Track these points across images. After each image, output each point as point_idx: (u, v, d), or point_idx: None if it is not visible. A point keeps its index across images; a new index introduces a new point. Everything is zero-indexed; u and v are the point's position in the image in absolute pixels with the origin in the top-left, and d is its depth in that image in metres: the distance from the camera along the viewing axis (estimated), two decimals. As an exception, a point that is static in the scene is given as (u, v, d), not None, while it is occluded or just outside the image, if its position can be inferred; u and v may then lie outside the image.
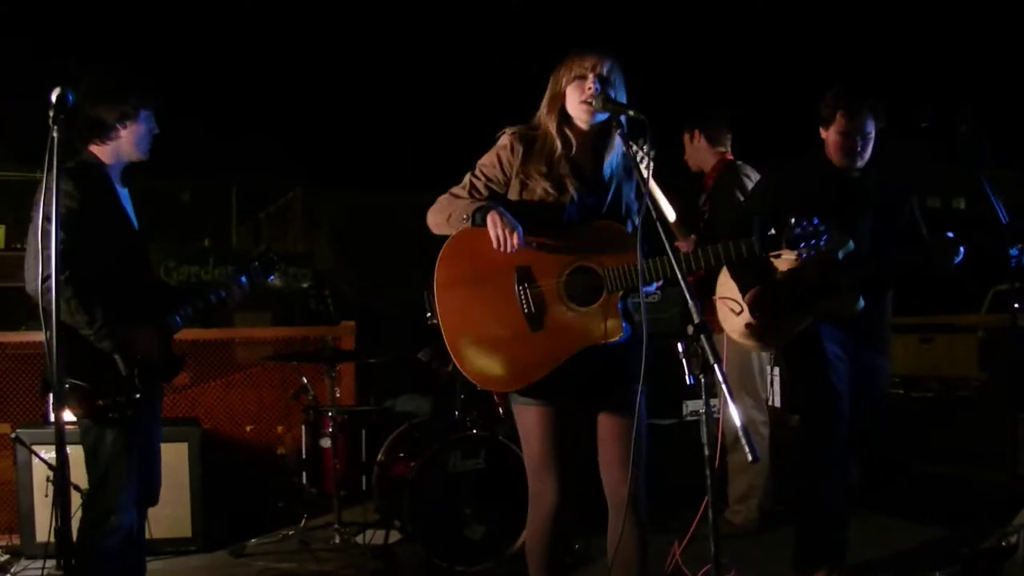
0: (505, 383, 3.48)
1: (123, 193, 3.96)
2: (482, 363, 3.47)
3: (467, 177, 3.56)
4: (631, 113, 3.29)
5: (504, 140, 3.53)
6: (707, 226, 5.68)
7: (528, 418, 3.50)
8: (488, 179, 3.53)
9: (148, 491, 4.04)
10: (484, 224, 3.34)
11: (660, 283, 3.43)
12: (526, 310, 3.39)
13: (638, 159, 3.33)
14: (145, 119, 3.87)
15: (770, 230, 3.28)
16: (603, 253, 3.36)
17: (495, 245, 3.31)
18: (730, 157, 5.92)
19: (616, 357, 3.41)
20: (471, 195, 3.51)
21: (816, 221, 3.32)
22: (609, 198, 3.51)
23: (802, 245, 3.32)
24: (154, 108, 3.92)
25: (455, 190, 3.56)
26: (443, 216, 3.51)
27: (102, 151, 3.88)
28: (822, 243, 3.32)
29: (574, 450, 3.51)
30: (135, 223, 3.97)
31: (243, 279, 4.19)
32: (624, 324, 3.37)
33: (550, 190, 3.44)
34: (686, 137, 6.07)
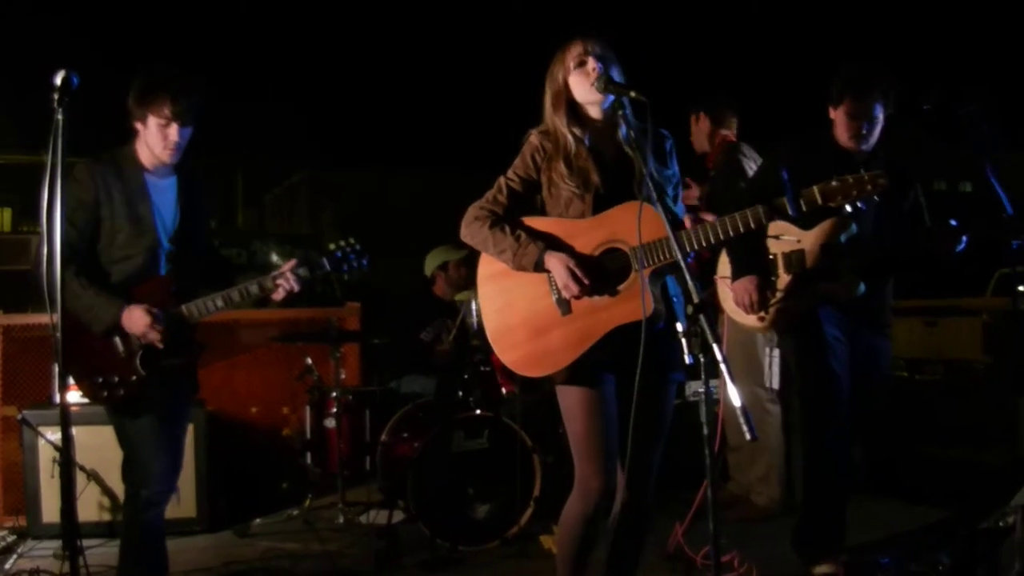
0: (539, 368, 3.46)
1: (161, 184, 3.98)
2: (518, 351, 3.49)
3: (501, 181, 3.54)
4: (632, 95, 3.26)
5: (533, 140, 3.52)
6: (707, 208, 5.65)
7: (570, 400, 3.46)
8: (522, 179, 3.52)
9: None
10: (545, 270, 3.38)
11: (692, 255, 3.32)
12: (556, 295, 3.41)
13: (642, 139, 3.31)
14: (156, 126, 3.82)
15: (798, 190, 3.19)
16: (630, 231, 3.32)
17: (559, 286, 3.36)
18: (732, 138, 5.92)
19: (659, 342, 3.32)
20: (509, 199, 3.50)
21: (862, 170, 3.22)
22: (633, 174, 3.46)
23: (840, 197, 3.16)
24: (168, 119, 3.82)
25: (491, 201, 3.52)
26: (487, 247, 3.49)
27: (137, 146, 3.94)
28: (872, 190, 3.14)
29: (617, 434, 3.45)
30: (161, 214, 3.96)
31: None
32: (657, 305, 3.31)
33: (576, 189, 3.42)
34: (692, 119, 6.10)
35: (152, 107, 3.82)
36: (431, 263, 6.93)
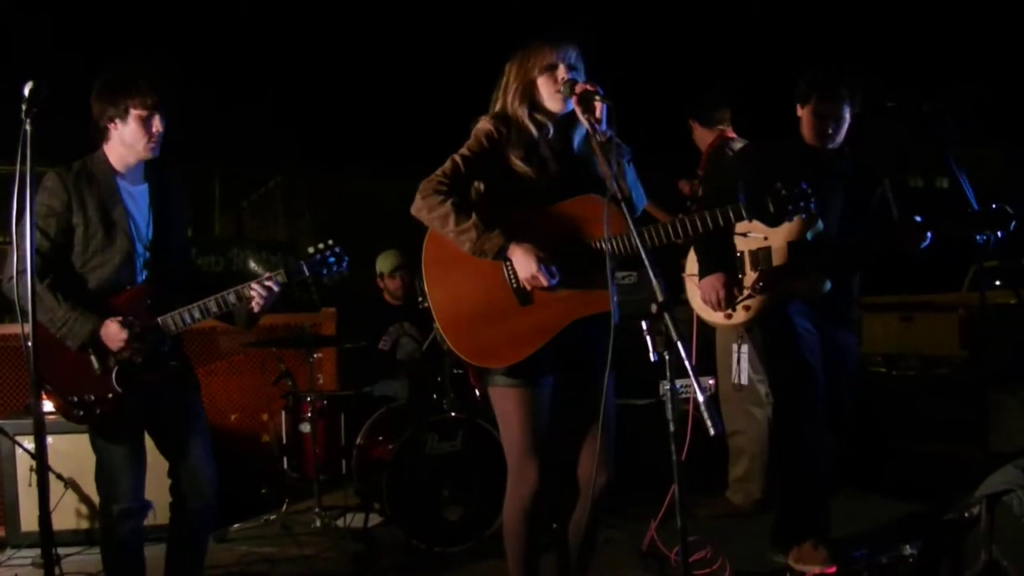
0: (498, 358, 3.44)
1: (134, 191, 3.88)
2: (473, 340, 3.45)
3: (456, 157, 3.50)
4: (598, 99, 3.30)
5: (486, 125, 3.53)
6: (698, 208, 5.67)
7: (509, 401, 3.49)
8: (477, 154, 3.49)
9: (178, 486, 4.09)
10: (505, 258, 3.36)
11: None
12: (514, 284, 3.41)
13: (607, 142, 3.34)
14: (136, 119, 3.72)
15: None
16: (590, 225, 3.37)
17: (524, 277, 3.34)
18: (730, 134, 5.93)
19: (592, 340, 3.42)
20: (467, 172, 3.48)
21: (804, 185, 3.35)
22: (587, 171, 3.52)
23: (790, 208, 3.35)
24: (149, 108, 3.72)
25: (448, 176, 3.46)
26: (446, 223, 3.40)
27: (108, 150, 3.83)
28: (812, 207, 3.34)
29: (552, 432, 3.53)
30: (136, 220, 3.85)
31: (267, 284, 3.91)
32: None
33: (532, 175, 3.46)
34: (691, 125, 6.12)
35: (132, 100, 3.71)
36: (377, 265, 6.94)
